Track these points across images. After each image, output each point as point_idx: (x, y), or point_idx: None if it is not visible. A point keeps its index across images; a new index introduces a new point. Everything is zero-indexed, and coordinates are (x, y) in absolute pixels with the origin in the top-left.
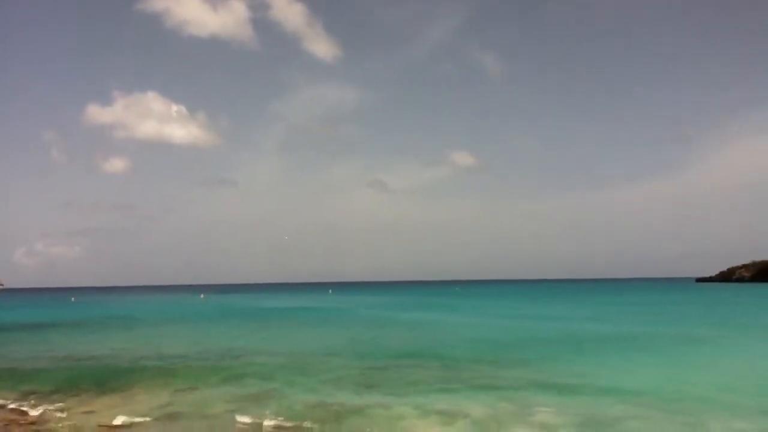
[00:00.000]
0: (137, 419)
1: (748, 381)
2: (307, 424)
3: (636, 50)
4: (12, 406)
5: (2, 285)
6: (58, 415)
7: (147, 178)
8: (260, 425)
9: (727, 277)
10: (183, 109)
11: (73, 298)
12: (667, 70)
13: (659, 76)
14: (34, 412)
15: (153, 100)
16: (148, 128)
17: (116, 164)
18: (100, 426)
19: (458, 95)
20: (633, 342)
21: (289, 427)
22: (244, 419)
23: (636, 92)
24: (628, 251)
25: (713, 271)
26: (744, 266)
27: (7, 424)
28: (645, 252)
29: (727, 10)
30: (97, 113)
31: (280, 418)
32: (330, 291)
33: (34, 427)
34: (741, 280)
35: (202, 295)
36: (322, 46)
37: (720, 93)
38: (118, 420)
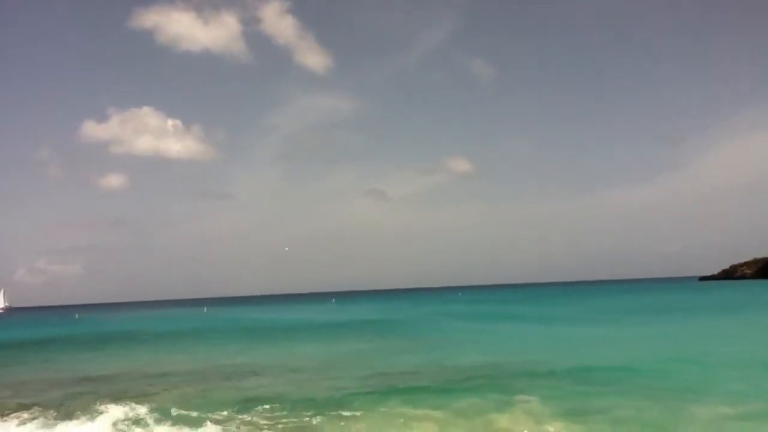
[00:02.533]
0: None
1: None
2: None
3: (628, 51)
4: (17, 423)
5: (9, 305)
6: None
7: (145, 193)
8: None
9: (729, 274)
10: (179, 123)
11: (77, 315)
12: (663, 70)
13: (654, 76)
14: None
15: (148, 115)
16: (144, 143)
17: (113, 180)
18: None
19: (452, 101)
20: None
21: None
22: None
23: (631, 92)
24: (629, 252)
25: (715, 269)
26: (746, 263)
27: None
28: (647, 252)
29: (719, 9)
30: (92, 129)
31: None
32: (333, 300)
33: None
34: (743, 277)
35: (205, 309)
36: (314, 58)
37: (718, 90)
38: None
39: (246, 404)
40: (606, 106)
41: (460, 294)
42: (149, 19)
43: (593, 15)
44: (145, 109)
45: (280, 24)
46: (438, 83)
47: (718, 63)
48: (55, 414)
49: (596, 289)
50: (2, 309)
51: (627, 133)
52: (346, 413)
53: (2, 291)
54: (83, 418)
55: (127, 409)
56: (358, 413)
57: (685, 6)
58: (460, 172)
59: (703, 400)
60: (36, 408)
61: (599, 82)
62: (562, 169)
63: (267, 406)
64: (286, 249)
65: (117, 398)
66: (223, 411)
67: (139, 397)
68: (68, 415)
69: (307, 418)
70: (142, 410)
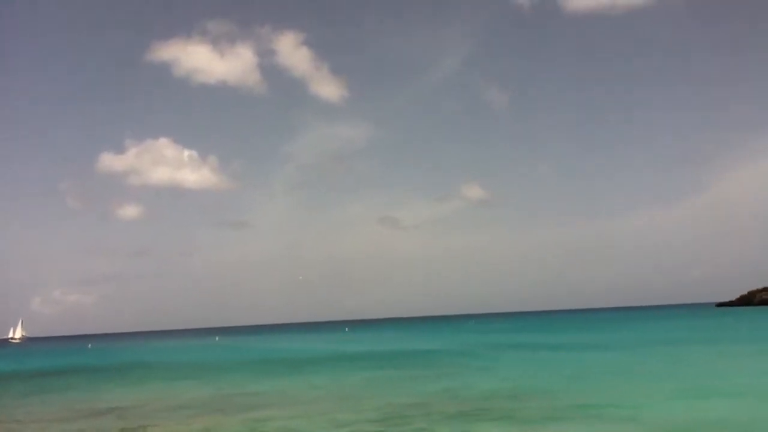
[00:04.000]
0: None
1: None
2: None
3: (644, 74)
4: None
5: (26, 336)
6: None
7: (161, 223)
8: None
9: (747, 300)
10: (195, 154)
11: (89, 346)
12: (679, 93)
13: (670, 99)
14: None
15: (165, 147)
16: (161, 174)
17: (131, 211)
18: None
19: (467, 128)
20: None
21: None
22: None
23: (647, 116)
24: (645, 278)
25: (733, 296)
26: (765, 289)
27: None
28: (663, 278)
29: (743, 29)
30: (110, 161)
31: None
32: (346, 329)
33: None
34: (763, 303)
35: (216, 338)
36: (329, 88)
37: (734, 113)
38: None
39: None
40: (621, 132)
41: (473, 321)
42: (167, 52)
43: (610, 38)
44: (162, 140)
45: (295, 55)
46: (452, 110)
47: (739, 85)
48: None
49: (613, 317)
50: (20, 339)
51: (644, 159)
52: None
53: (21, 321)
54: None
55: None
56: None
57: (707, 27)
58: (475, 199)
59: None
60: None
61: (614, 108)
62: (578, 195)
63: None
64: (300, 278)
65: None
66: None
67: (147, 430)
68: None
69: None
70: None
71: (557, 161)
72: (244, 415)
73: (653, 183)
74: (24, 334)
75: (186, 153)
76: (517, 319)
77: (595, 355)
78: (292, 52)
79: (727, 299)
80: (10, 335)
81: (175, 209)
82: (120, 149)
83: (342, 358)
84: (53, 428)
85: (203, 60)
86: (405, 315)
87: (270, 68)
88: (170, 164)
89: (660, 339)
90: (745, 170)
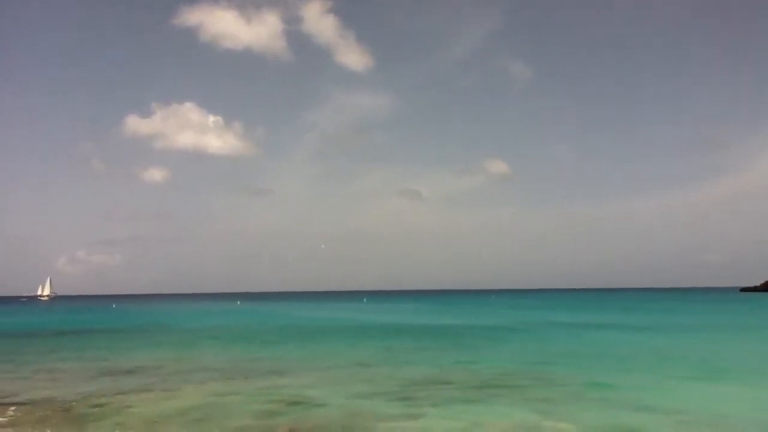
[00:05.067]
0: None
1: None
2: None
3: (668, 56)
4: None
5: (54, 293)
6: (99, 410)
7: (185, 187)
8: None
9: None
10: (220, 119)
11: (114, 305)
12: (703, 75)
13: (697, 81)
14: (76, 407)
15: (191, 111)
16: (186, 139)
17: (155, 174)
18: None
19: (490, 103)
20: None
21: None
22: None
23: (671, 98)
24: (668, 260)
25: (758, 281)
26: None
27: (49, 416)
28: (686, 261)
29: (761, 13)
30: (136, 124)
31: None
32: (365, 300)
33: (74, 419)
34: None
35: (238, 302)
36: (354, 57)
37: (759, 96)
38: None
39: (272, 404)
40: (646, 111)
41: (494, 296)
42: (193, 16)
43: (634, 20)
44: (188, 105)
45: (321, 23)
46: (476, 84)
47: (761, 70)
48: (73, 409)
49: (634, 298)
50: (48, 296)
51: (667, 139)
52: (369, 419)
53: (49, 279)
54: (108, 413)
55: (152, 406)
56: (378, 415)
57: (731, 10)
58: (497, 174)
59: None
60: (60, 400)
61: (639, 86)
62: (599, 174)
63: (294, 409)
64: (322, 246)
65: (143, 392)
66: (247, 411)
67: (164, 392)
68: (88, 410)
69: (331, 420)
70: (167, 405)
71: (580, 140)
72: (261, 382)
73: (677, 164)
74: (52, 291)
75: (211, 118)
76: (537, 297)
77: (614, 335)
78: (319, 19)
79: (751, 284)
80: (39, 292)
81: (199, 174)
82: (146, 113)
83: (360, 328)
84: (71, 385)
85: (229, 25)
86: (423, 288)
87: (296, 35)
88: (195, 129)
89: (684, 323)
90: None
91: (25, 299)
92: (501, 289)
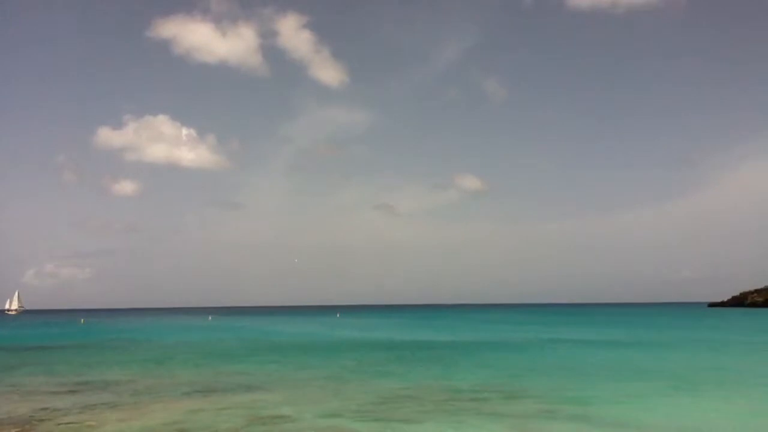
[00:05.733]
0: None
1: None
2: None
3: (642, 74)
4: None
5: (23, 307)
6: (66, 427)
7: (157, 200)
8: None
9: (740, 301)
10: (193, 132)
11: (82, 320)
12: (675, 93)
13: (666, 99)
14: (42, 425)
15: (163, 124)
16: (158, 151)
17: (126, 186)
18: None
19: (465, 118)
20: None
21: None
22: None
23: (643, 115)
24: (637, 275)
25: (725, 296)
26: (757, 291)
27: None
28: (655, 276)
29: (738, 33)
30: (108, 136)
31: None
32: (338, 315)
33: None
34: (754, 305)
35: (209, 317)
36: (329, 72)
37: (730, 115)
38: None
39: (243, 420)
40: (618, 129)
41: (469, 311)
42: (168, 29)
43: (608, 37)
44: (161, 117)
45: (296, 38)
46: (452, 100)
47: (736, 87)
48: (39, 427)
49: (605, 312)
50: (16, 310)
51: (640, 155)
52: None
53: (17, 293)
54: (75, 431)
55: (121, 423)
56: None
57: (703, 29)
58: (471, 190)
59: None
60: (26, 418)
61: (611, 105)
62: (572, 190)
63: (265, 426)
64: (296, 261)
65: (112, 408)
66: (217, 428)
67: (133, 409)
68: (55, 428)
69: None
70: (136, 423)
71: (553, 156)
72: (232, 398)
73: (649, 181)
74: (21, 305)
75: (184, 131)
76: (511, 311)
77: (587, 350)
78: (294, 34)
79: (719, 299)
80: (7, 306)
81: (171, 187)
82: (118, 125)
83: (333, 344)
84: (41, 401)
85: (205, 38)
86: (398, 302)
87: (271, 49)
88: (168, 141)
89: (652, 337)
90: (740, 171)
91: None
92: (476, 303)
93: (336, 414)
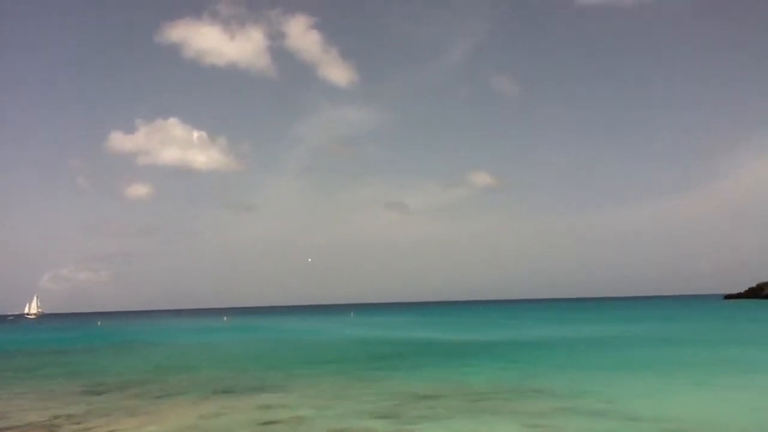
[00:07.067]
0: None
1: None
2: None
3: (657, 65)
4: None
5: (41, 311)
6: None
7: (170, 203)
8: None
9: (756, 293)
10: (204, 134)
11: (99, 323)
12: (691, 84)
13: (682, 91)
14: (61, 428)
15: (175, 127)
16: (170, 154)
17: (140, 190)
18: None
19: (476, 115)
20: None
21: None
22: None
23: (658, 107)
24: (653, 268)
25: (742, 288)
26: None
27: None
28: (671, 269)
29: (752, 23)
30: (120, 140)
31: None
32: (352, 314)
33: None
34: None
35: (225, 318)
36: (338, 72)
37: (746, 106)
38: None
39: (260, 423)
40: (632, 122)
41: (482, 308)
42: (176, 33)
43: (619, 31)
44: (172, 120)
45: (305, 39)
46: (464, 97)
47: (753, 79)
48: (58, 430)
49: (620, 306)
50: (35, 314)
51: (654, 148)
52: None
53: (36, 297)
54: None
55: (139, 426)
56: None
57: (725, 19)
58: (483, 186)
59: None
60: (46, 421)
61: (625, 98)
62: (585, 184)
63: (282, 427)
64: (309, 260)
65: (130, 411)
66: (238, 421)
67: (151, 412)
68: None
69: None
70: (154, 426)
71: (566, 151)
72: (248, 400)
73: (663, 174)
74: (39, 309)
75: (195, 134)
76: (525, 307)
77: (602, 346)
78: (303, 35)
79: (735, 291)
80: (26, 310)
81: (183, 189)
82: (130, 129)
83: (348, 342)
84: (59, 404)
85: (213, 42)
86: (411, 300)
87: (280, 51)
88: (179, 145)
89: (670, 331)
90: (755, 163)
91: (11, 317)
92: (489, 299)
93: (351, 414)
